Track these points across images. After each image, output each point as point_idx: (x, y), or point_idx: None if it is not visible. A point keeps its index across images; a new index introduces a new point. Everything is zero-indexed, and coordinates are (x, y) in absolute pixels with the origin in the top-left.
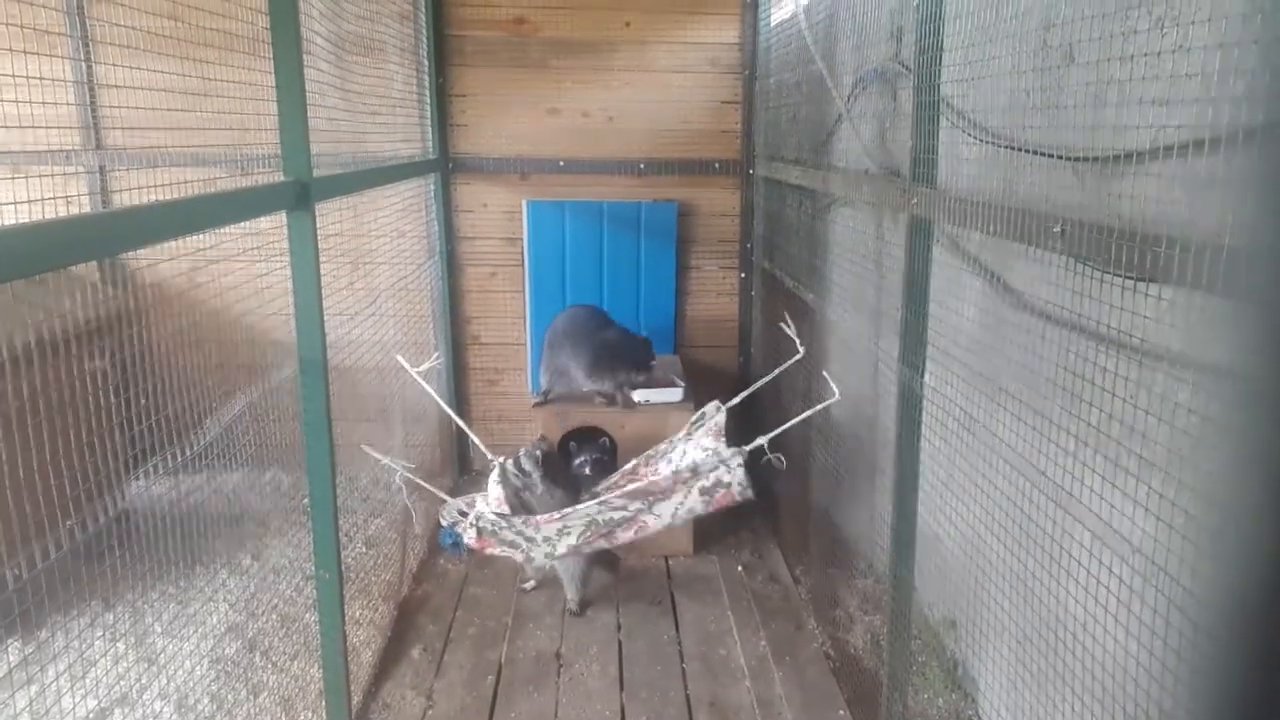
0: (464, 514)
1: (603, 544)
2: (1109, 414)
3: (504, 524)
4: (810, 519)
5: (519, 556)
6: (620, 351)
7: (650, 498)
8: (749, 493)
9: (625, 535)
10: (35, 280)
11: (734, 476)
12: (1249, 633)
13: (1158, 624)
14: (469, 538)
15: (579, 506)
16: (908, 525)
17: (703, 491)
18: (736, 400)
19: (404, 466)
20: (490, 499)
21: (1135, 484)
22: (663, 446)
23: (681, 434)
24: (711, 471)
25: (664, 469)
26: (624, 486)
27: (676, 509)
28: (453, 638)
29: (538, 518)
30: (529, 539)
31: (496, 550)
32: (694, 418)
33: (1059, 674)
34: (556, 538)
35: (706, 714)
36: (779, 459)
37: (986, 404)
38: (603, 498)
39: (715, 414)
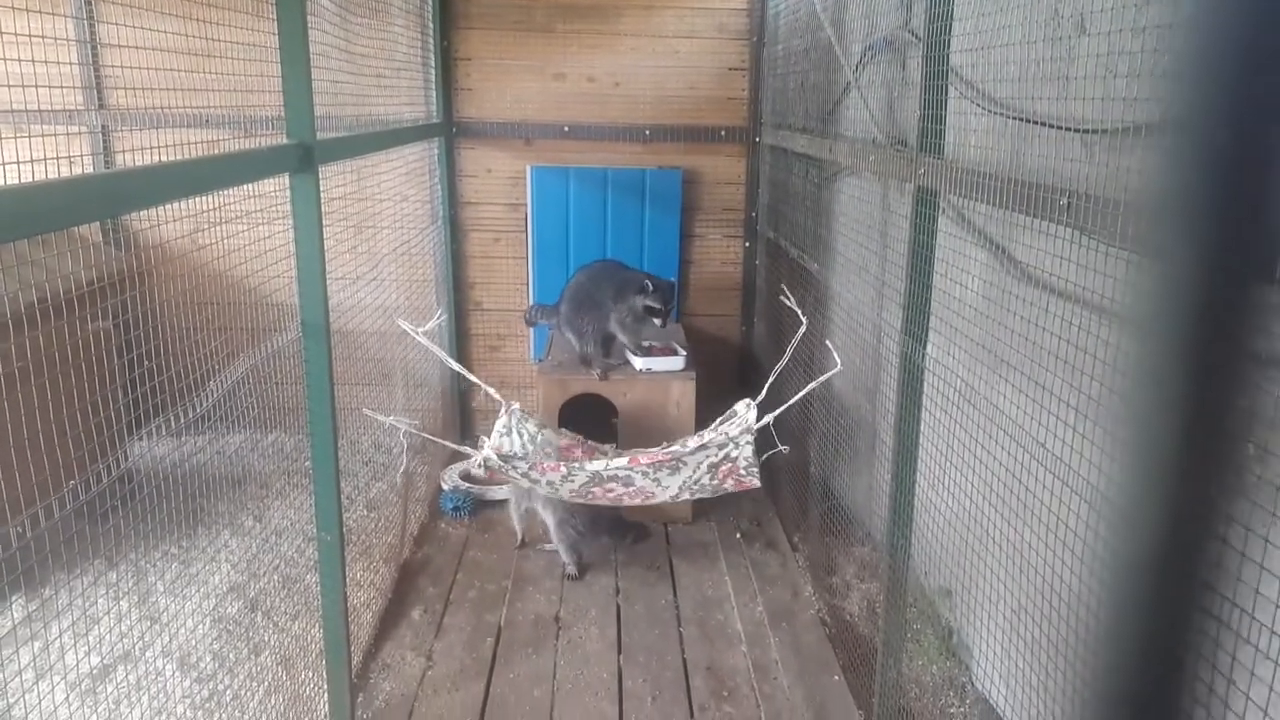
0: (466, 479)
1: (604, 503)
2: (1109, 387)
3: (509, 467)
4: (809, 487)
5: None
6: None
7: (658, 470)
8: (755, 474)
9: (631, 501)
10: (37, 240)
11: (740, 453)
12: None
13: None
14: (480, 471)
15: (584, 463)
16: (906, 494)
17: (710, 467)
18: (763, 394)
19: (409, 423)
20: (493, 443)
21: None
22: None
23: (710, 430)
24: (720, 449)
25: (678, 449)
26: (632, 454)
27: (684, 482)
28: (453, 600)
29: (544, 464)
30: (533, 481)
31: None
32: (725, 415)
33: (1053, 643)
34: (560, 483)
35: (703, 678)
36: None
37: (988, 375)
38: (611, 458)
39: (745, 412)
